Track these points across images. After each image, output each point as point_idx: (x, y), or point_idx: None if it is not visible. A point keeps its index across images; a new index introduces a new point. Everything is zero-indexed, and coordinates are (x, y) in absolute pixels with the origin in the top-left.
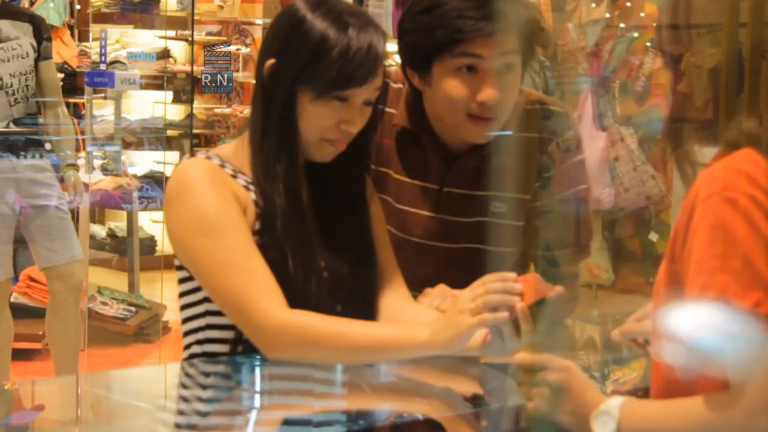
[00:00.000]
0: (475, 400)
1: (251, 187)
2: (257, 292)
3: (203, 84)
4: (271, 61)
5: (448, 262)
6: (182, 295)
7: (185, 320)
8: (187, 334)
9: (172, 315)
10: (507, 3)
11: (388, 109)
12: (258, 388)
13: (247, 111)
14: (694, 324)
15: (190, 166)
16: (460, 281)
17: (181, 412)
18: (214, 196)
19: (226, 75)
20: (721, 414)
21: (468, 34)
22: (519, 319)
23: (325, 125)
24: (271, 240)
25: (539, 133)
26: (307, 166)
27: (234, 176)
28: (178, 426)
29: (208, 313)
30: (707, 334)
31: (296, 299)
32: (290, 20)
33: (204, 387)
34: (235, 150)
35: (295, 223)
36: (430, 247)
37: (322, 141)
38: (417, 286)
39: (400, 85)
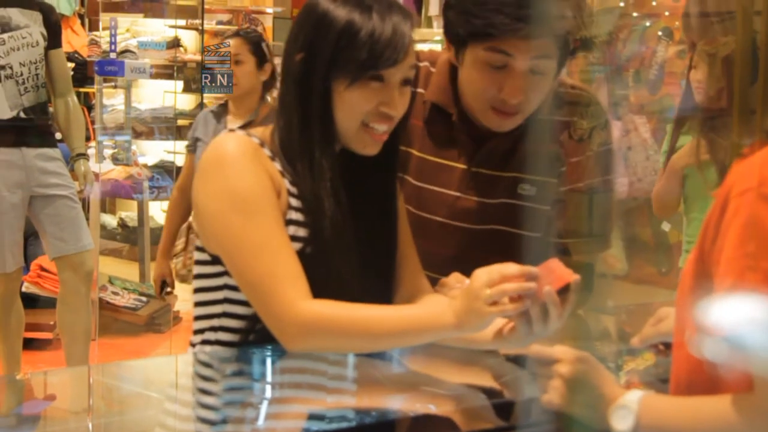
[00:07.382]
0: (491, 394)
1: (286, 174)
2: (284, 279)
3: (203, 84)
4: (299, 56)
5: (472, 243)
6: (200, 277)
7: (200, 303)
8: (200, 318)
9: (183, 305)
10: (553, 6)
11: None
12: (271, 380)
13: None
14: (721, 321)
15: (229, 140)
16: (481, 263)
17: (194, 404)
18: (254, 173)
19: (226, 75)
20: (745, 415)
21: (502, 32)
22: (548, 305)
23: (364, 109)
24: (314, 237)
25: (569, 117)
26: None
27: (272, 159)
28: (194, 419)
29: (226, 300)
30: (733, 333)
31: (329, 293)
32: (314, 14)
33: (217, 380)
34: (270, 137)
35: (339, 221)
36: (454, 228)
37: (362, 130)
38: (437, 267)
39: (426, 64)
